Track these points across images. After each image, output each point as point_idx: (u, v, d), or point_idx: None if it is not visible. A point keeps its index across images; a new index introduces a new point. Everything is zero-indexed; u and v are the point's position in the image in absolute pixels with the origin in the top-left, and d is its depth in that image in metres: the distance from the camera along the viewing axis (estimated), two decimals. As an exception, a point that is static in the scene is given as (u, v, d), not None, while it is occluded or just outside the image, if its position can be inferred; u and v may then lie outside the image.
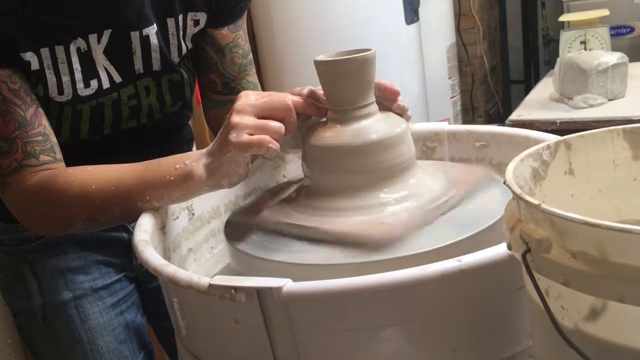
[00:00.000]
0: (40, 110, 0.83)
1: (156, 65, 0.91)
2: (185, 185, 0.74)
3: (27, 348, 1.08)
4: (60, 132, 0.88)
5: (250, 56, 1.00)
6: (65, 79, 0.85)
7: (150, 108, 0.94)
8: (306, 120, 0.77)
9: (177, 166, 0.74)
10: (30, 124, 0.81)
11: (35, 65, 0.82)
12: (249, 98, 0.72)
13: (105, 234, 0.99)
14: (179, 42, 0.92)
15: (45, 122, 0.83)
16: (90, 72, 0.86)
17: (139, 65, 0.90)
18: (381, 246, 0.64)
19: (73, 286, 0.98)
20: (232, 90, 0.97)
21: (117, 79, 0.89)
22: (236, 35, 0.96)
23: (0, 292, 1.06)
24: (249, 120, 0.70)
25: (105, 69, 0.88)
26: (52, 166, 0.82)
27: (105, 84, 0.88)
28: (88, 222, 0.80)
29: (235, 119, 0.70)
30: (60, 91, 0.85)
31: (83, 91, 0.87)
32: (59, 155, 0.84)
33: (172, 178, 0.74)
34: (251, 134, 0.69)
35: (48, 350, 1.02)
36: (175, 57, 0.92)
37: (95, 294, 0.99)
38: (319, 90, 0.77)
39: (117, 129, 0.92)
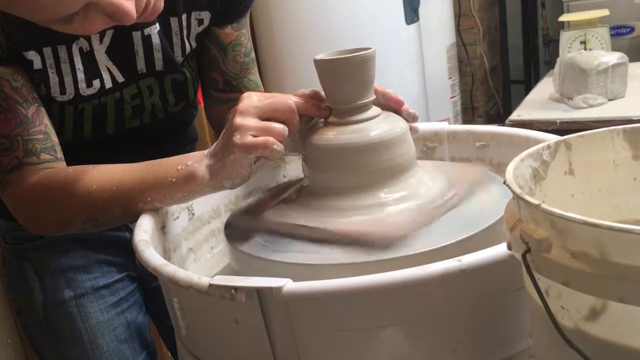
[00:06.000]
0: (42, 109, 0.83)
1: (159, 65, 0.91)
2: (187, 187, 0.74)
3: (29, 346, 1.09)
4: (62, 132, 0.88)
5: (253, 54, 1.00)
6: (68, 78, 0.85)
7: (153, 108, 0.93)
8: (308, 121, 0.77)
9: (179, 167, 0.74)
10: (31, 122, 0.81)
11: (37, 65, 0.82)
12: (252, 99, 0.72)
13: (108, 233, 0.99)
14: (183, 41, 0.92)
15: (46, 120, 0.83)
16: (92, 71, 0.86)
17: (141, 65, 0.90)
18: (381, 246, 0.64)
19: (74, 285, 0.98)
20: (233, 88, 0.97)
21: (120, 78, 0.89)
22: (239, 33, 0.96)
23: (5, 289, 1.06)
24: (253, 121, 0.70)
25: (108, 68, 0.88)
26: (52, 165, 0.82)
27: (108, 84, 0.88)
28: (88, 222, 0.80)
29: (239, 120, 0.70)
30: (63, 91, 0.85)
31: (85, 91, 0.86)
32: (60, 155, 0.84)
33: (174, 179, 0.74)
34: (255, 136, 0.69)
35: (50, 349, 1.02)
36: (178, 57, 0.92)
37: (97, 292, 0.99)
38: (322, 92, 0.77)
39: (120, 128, 0.92)
